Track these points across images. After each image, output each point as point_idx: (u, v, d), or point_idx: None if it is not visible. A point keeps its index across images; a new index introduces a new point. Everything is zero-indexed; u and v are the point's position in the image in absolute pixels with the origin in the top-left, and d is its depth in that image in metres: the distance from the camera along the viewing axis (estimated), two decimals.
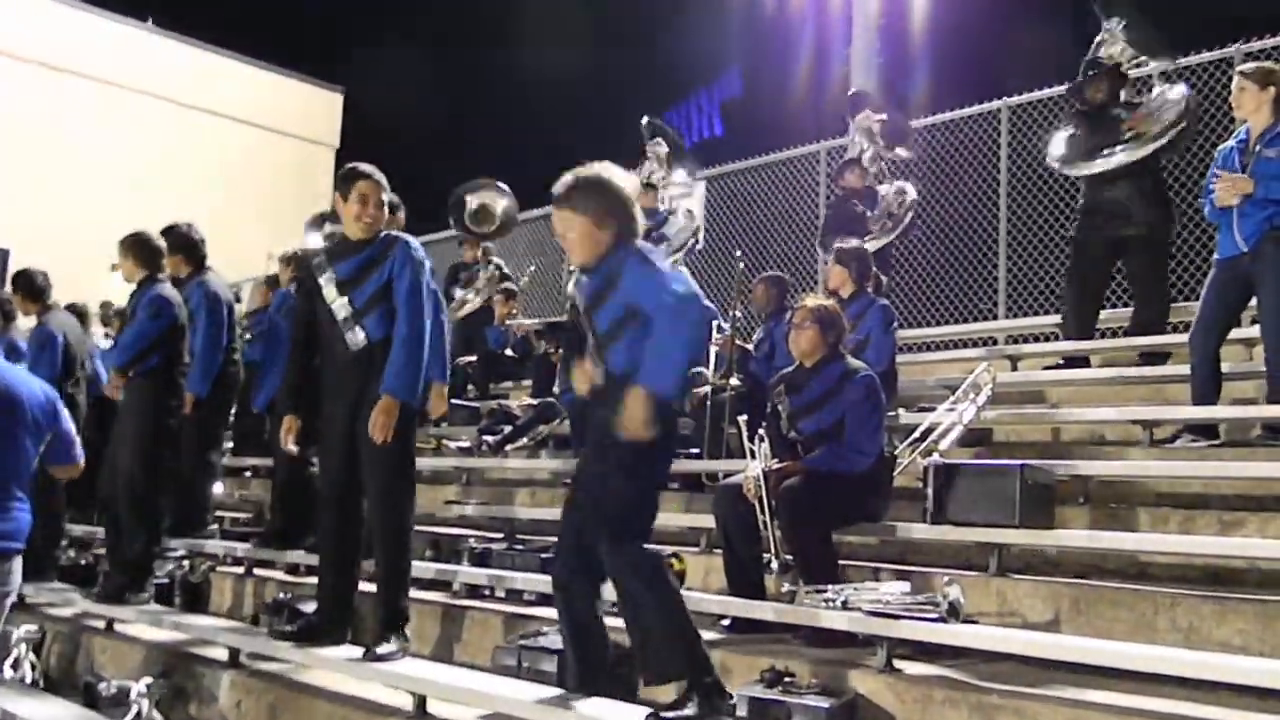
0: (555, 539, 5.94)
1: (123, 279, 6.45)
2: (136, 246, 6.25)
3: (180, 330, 6.20)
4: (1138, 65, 7.30)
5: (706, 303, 3.73)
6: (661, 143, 9.60)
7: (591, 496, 3.62)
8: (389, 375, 4.39)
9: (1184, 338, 5.76)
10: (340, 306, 4.54)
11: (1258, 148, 5.40)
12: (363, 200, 4.55)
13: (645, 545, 3.51)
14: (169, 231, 6.69)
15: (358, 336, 4.51)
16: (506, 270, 10.91)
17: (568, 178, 3.63)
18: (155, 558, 6.18)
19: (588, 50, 23.39)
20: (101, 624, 6.01)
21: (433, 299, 4.71)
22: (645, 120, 9.64)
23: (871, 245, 7.59)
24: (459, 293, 10.56)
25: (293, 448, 4.77)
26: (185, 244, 6.82)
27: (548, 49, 24.90)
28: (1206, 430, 5.57)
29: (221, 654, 5.09)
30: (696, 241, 9.22)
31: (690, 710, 3.32)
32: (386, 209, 4.67)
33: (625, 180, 3.66)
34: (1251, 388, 5.92)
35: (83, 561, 7.25)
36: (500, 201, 10.38)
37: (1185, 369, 5.71)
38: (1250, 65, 5.68)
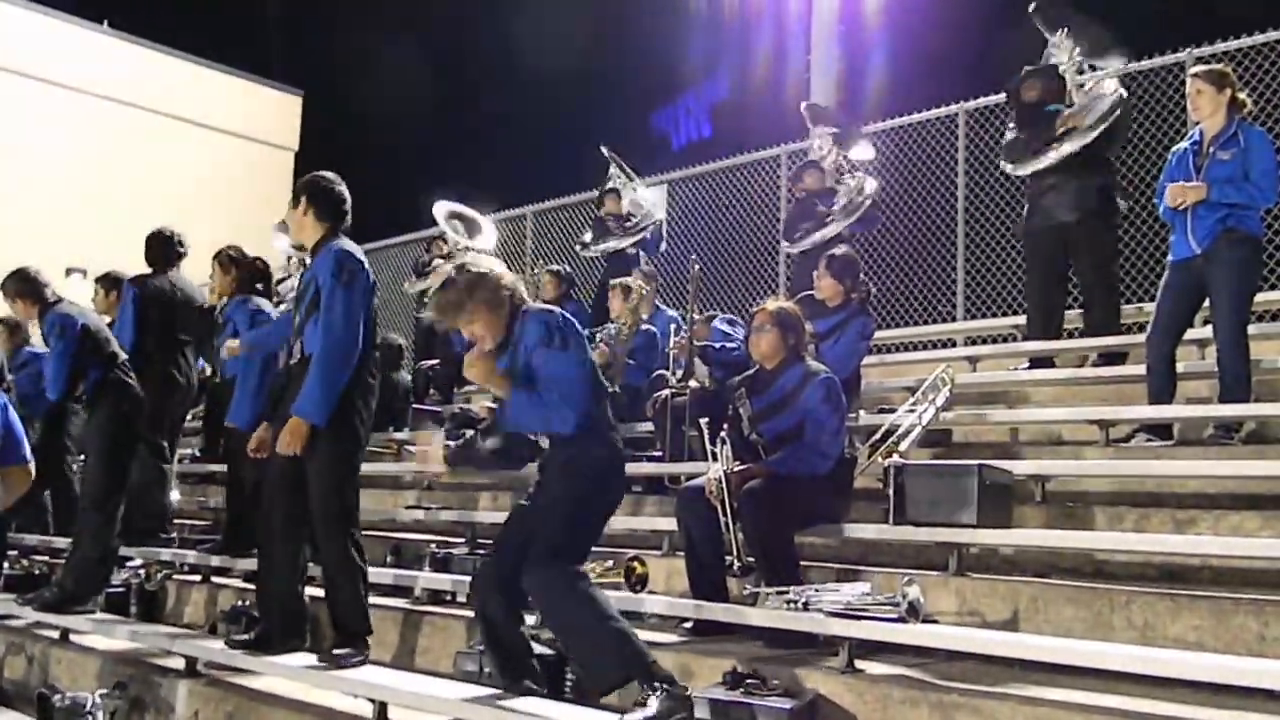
0: None
1: (22, 317, 6.51)
2: (21, 284, 6.27)
3: (96, 335, 6.14)
4: (1091, 68, 7.34)
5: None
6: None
7: (528, 527, 3.74)
8: (300, 395, 4.31)
9: (1141, 338, 5.83)
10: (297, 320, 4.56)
11: (1212, 150, 5.47)
12: None
13: (563, 565, 3.58)
14: (155, 232, 7.09)
15: (294, 349, 4.53)
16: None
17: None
18: (105, 571, 6.08)
19: (557, 54, 23.34)
20: (56, 634, 5.92)
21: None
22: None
23: (827, 232, 7.67)
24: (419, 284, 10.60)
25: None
26: (160, 241, 7.03)
27: (512, 53, 24.84)
28: (1161, 430, 5.64)
29: (178, 663, 5.02)
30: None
31: (652, 707, 3.31)
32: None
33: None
34: (1205, 387, 6.00)
35: (35, 571, 7.14)
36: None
37: (1142, 369, 5.78)
38: (1203, 68, 5.75)
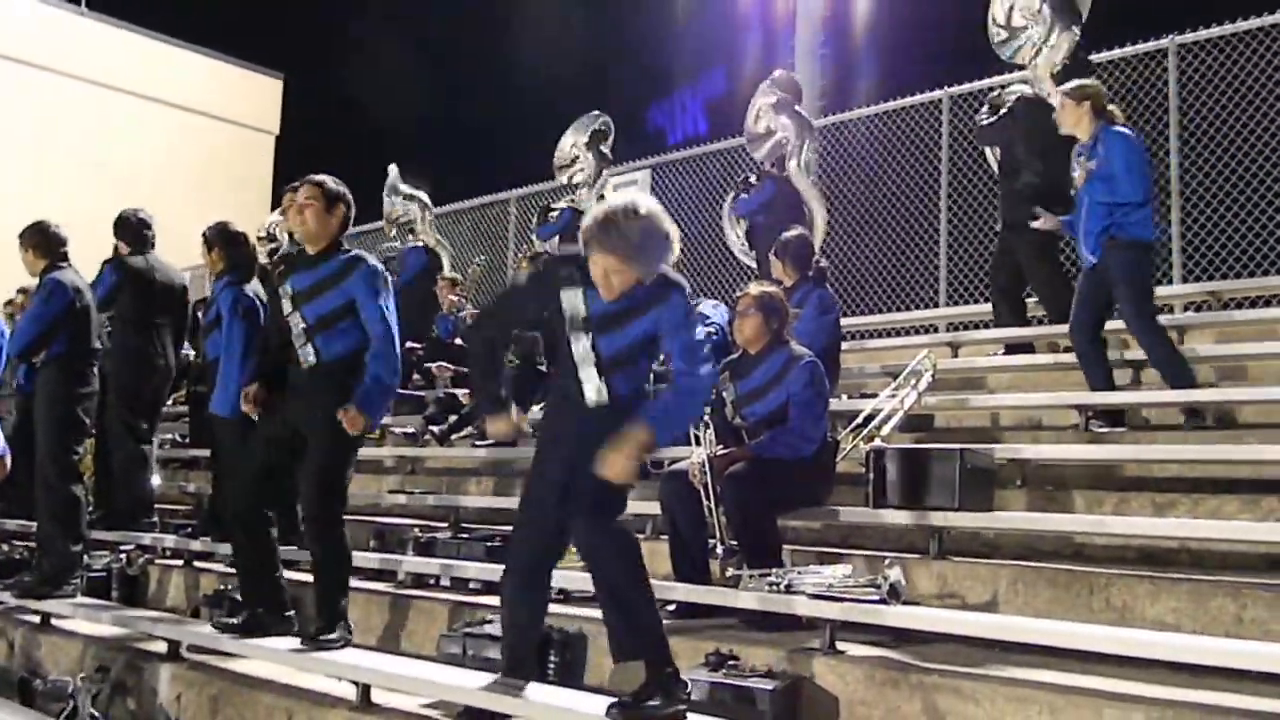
0: (502, 527, 5.98)
1: (27, 273, 6.42)
2: (37, 237, 6.23)
3: (81, 314, 6.07)
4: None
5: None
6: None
7: (568, 488, 3.52)
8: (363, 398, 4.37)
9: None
10: (295, 321, 4.51)
11: (1082, 158, 5.61)
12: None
13: (625, 527, 3.50)
14: (126, 215, 7.06)
15: (305, 354, 4.49)
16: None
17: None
18: (76, 553, 6.03)
19: (543, 38, 23.26)
20: (37, 619, 5.89)
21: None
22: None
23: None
24: None
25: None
26: (133, 223, 7.00)
27: (494, 37, 24.73)
28: (1114, 416, 5.69)
29: (161, 647, 5.01)
30: None
31: (656, 700, 3.31)
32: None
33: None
34: None
35: (16, 556, 7.10)
36: None
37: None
38: (1072, 83, 5.89)
